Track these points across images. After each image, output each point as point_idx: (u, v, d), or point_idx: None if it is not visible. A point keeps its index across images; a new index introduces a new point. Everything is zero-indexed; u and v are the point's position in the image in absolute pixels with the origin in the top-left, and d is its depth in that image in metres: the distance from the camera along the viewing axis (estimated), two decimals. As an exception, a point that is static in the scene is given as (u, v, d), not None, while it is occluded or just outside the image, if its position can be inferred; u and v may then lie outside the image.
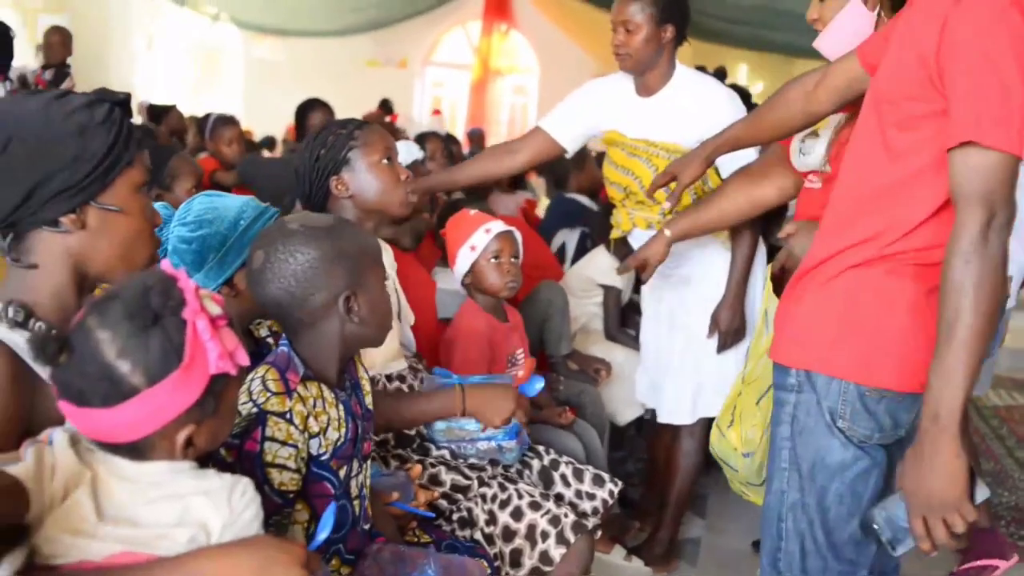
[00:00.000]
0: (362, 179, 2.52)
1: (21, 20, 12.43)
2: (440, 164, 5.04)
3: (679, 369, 3.40)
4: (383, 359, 2.55)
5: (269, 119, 11.07)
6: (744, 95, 4.17)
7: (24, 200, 1.50)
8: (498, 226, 3.03)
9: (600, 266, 4.18)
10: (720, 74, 4.15)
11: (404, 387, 2.60)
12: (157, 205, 2.10)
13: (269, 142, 10.04)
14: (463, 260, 3.03)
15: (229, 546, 1.30)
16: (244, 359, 1.35)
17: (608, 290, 4.21)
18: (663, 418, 3.48)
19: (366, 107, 9.61)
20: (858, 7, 2.46)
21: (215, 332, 1.31)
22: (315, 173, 2.51)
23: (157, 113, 7.90)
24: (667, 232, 2.85)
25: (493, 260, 3.00)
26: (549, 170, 5.65)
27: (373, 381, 2.46)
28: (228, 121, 5.95)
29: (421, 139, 5.15)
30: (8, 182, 1.49)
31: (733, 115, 2.96)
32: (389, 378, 2.59)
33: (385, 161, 2.53)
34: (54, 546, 1.24)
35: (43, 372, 1.45)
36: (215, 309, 1.33)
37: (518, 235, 3.10)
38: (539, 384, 2.59)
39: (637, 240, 3.35)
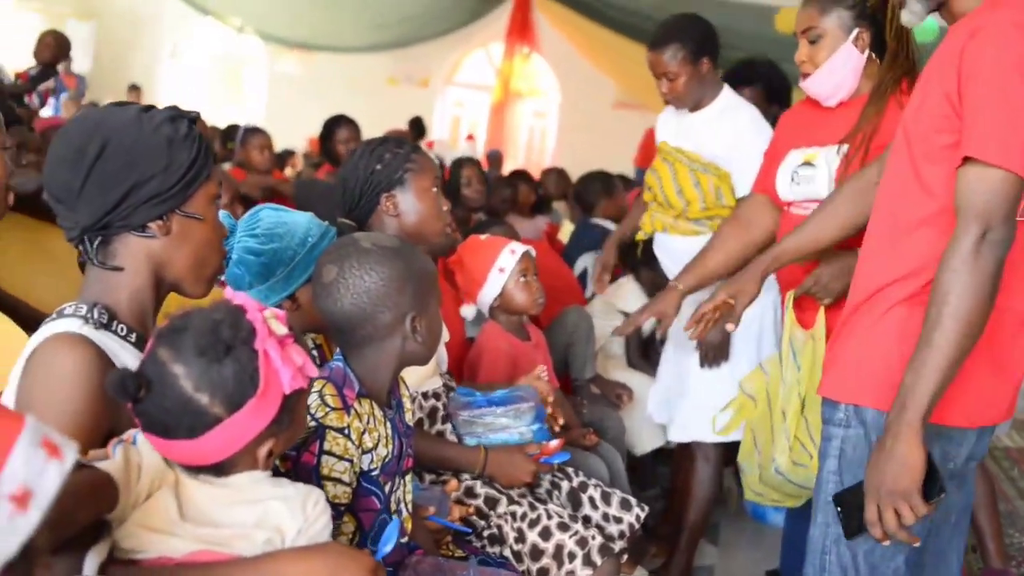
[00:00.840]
0: (411, 202, 2.57)
1: (49, 24, 12.55)
2: (476, 190, 5.03)
3: (686, 389, 3.46)
4: (421, 377, 2.59)
5: (290, 132, 11.15)
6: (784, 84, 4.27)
7: (118, 203, 1.57)
8: (520, 246, 3.11)
9: (624, 294, 4.23)
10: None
11: (439, 404, 2.65)
12: (220, 215, 2.16)
13: (288, 154, 10.11)
14: (494, 283, 3.08)
15: (304, 550, 1.37)
16: (313, 371, 1.42)
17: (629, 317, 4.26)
18: (671, 434, 3.57)
19: (388, 124, 9.67)
20: (850, 50, 2.59)
21: (285, 354, 1.36)
22: (368, 185, 2.55)
23: (182, 122, 7.97)
24: (680, 287, 2.90)
25: (522, 279, 3.07)
26: (577, 195, 5.69)
27: (411, 400, 2.53)
28: (257, 131, 6.07)
29: (457, 165, 5.13)
30: (105, 186, 1.56)
31: (751, 140, 3.13)
32: (425, 396, 2.64)
33: (434, 189, 2.59)
34: (136, 541, 1.31)
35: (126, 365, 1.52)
36: (281, 329, 1.38)
37: (533, 252, 3.18)
38: (566, 458, 2.66)
39: (659, 245, 3.49)
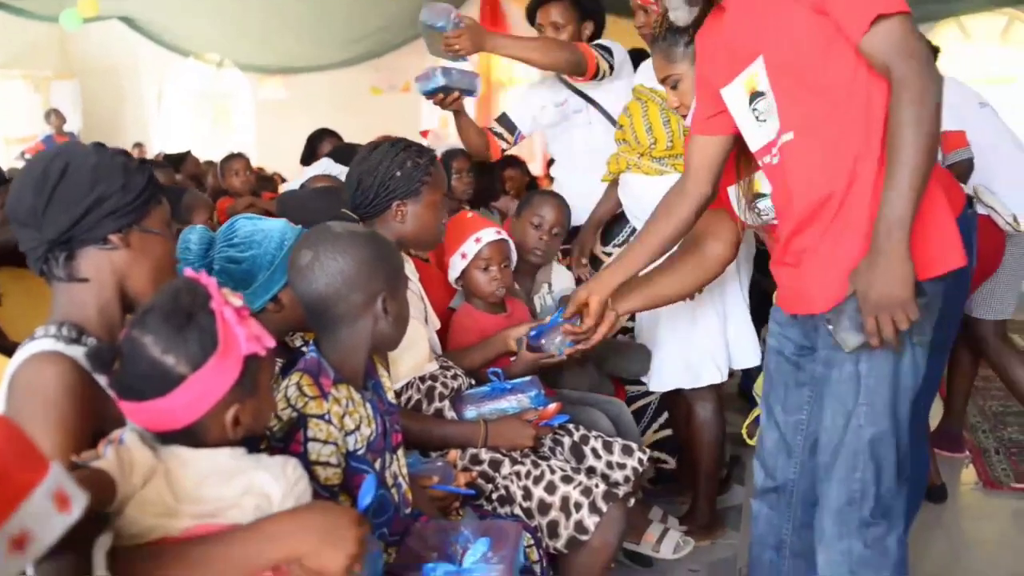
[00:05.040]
0: (419, 214, 2.69)
1: (33, 87, 12.70)
2: (465, 182, 4.95)
3: (657, 340, 3.56)
4: (420, 363, 2.71)
5: (282, 156, 11.23)
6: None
7: (81, 218, 1.71)
8: (488, 234, 3.15)
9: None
10: None
11: (436, 384, 2.75)
12: (198, 228, 2.31)
13: (277, 176, 10.17)
14: (454, 267, 3.19)
15: (294, 509, 1.50)
16: (270, 341, 1.55)
17: None
18: (651, 386, 3.64)
19: (375, 133, 9.66)
20: None
21: (241, 319, 1.51)
22: (384, 189, 2.65)
23: (173, 161, 8.10)
24: (617, 310, 2.89)
25: (483, 268, 3.14)
26: None
27: (409, 385, 2.66)
28: (233, 156, 6.17)
29: (449, 156, 5.02)
30: (68, 202, 1.70)
31: None
32: (423, 379, 2.74)
33: (440, 204, 2.72)
34: (137, 528, 1.43)
35: (101, 381, 1.63)
36: (237, 302, 1.53)
37: (510, 242, 3.23)
38: (564, 419, 2.78)
39: (623, 186, 3.61)
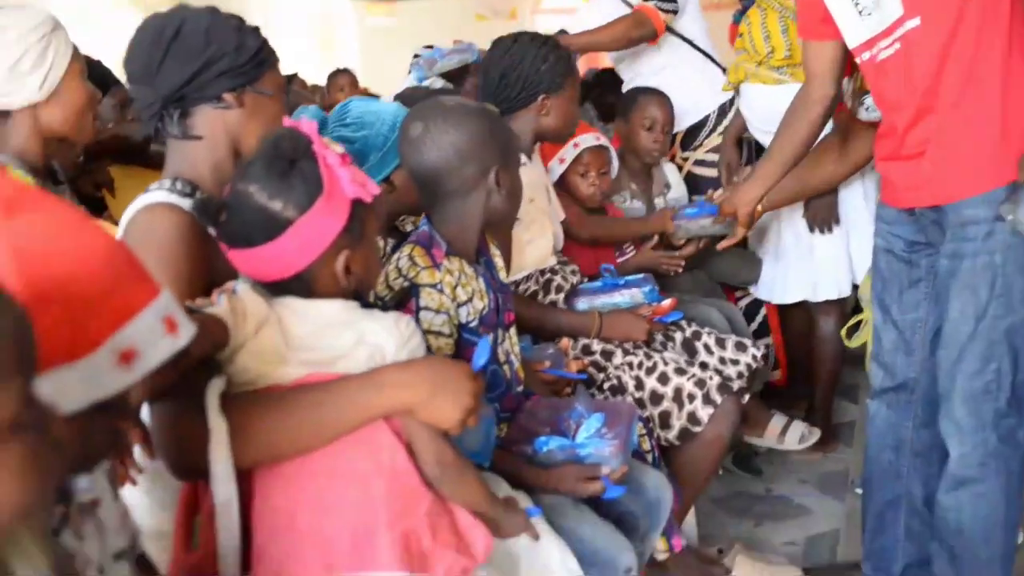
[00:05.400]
0: (562, 107, 2.68)
1: (143, 15, 12.88)
2: None
3: (779, 252, 3.52)
4: (543, 255, 2.71)
5: (386, 82, 11.26)
6: None
7: (195, 75, 1.70)
8: (587, 140, 3.12)
9: None
10: None
11: (556, 278, 2.74)
12: (311, 108, 2.28)
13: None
14: (553, 172, 3.16)
15: (407, 361, 1.46)
16: (375, 188, 1.51)
17: None
18: (772, 298, 3.61)
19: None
20: None
21: (344, 163, 1.46)
22: (530, 83, 2.64)
23: (280, 83, 8.16)
24: (759, 208, 2.89)
25: (580, 174, 3.11)
26: None
27: (528, 277, 2.67)
28: (339, 72, 6.19)
29: None
30: (182, 59, 1.69)
31: None
32: (543, 272, 2.73)
33: (577, 98, 2.72)
34: (248, 375, 1.41)
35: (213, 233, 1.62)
36: (338, 148, 1.49)
37: (611, 150, 3.19)
38: (678, 317, 2.74)
39: (743, 97, 3.52)
